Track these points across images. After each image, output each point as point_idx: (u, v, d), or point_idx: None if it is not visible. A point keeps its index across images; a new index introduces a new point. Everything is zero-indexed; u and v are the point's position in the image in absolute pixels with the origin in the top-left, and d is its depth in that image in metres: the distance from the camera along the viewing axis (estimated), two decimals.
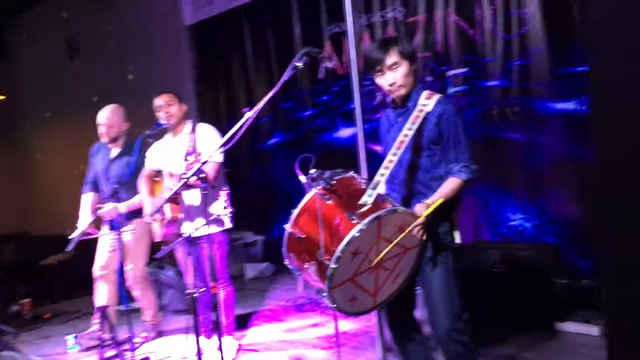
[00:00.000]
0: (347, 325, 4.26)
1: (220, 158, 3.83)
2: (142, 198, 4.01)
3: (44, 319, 5.46)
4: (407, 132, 2.43)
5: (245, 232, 6.69)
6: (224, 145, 2.71)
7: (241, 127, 2.61)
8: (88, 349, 4.22)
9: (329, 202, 2.31)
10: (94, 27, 8.01)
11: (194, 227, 3.87)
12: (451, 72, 4.95)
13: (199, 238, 3.92)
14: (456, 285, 2.56)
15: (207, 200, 3.83)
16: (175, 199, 3.85)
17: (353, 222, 2.18)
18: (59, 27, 8.49)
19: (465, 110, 4.89)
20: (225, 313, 4.01)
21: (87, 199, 4.39)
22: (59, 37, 8.51)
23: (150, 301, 4.43)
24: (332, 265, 2.15)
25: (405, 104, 2.58)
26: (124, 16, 7.69)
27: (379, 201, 2.26)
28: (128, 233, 4.25)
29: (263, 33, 6.63)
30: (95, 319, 4.29)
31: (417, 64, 2.59)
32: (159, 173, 4.03)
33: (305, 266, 2.35)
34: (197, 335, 2.69)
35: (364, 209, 2.20)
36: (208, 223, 3.81)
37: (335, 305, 2.27)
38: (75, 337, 4.01)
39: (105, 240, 4.34)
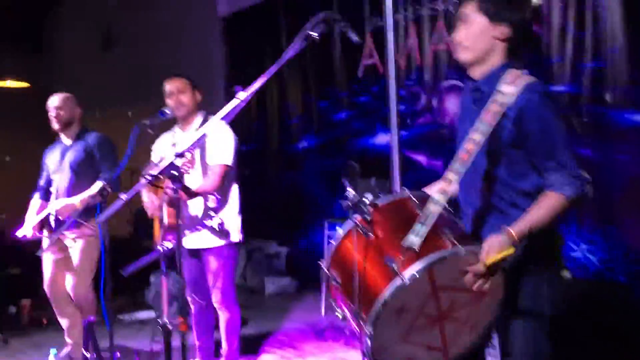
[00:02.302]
0: None
1: (229, 160, 3.28)
2: (143, 198, 3.49)
3: (41, 325, 5.00)
4: (477, 136, 1.75)
5: (268, 241, 6.13)
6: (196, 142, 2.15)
7: (232, 110, 2.04)
8: None
9: (370, 237, 1.72)
10: (128, 17, 7.67)
11: (193, 238, 3.34)
12: None
13: (200, 251, 3.40)
14: (548, 352, 1.88)
15: (209, 207, 3.32)
16: (174, 202, 3.30)
17: (392, 270, 1.63)
18: (94, 18, 8.21)
19: None
20: (227, 339, 3.44)
21: (35, 204, 3.87)
22: (95, 28, 8.23)
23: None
24: (369, 330, 1.65)
25: (479, 86, 1.90)
26: (158, 5, 7.32)
27: (433, 236, 1.67)
28: (72, 241, 3.69)
29: (299, 27, 6.08)
30: (67, 336, 3.80)
31: (509, 31, 1.86)
32: None
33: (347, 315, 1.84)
34: None
35: (408, 254, 1.64)
36: (212, 233, 3.31)
37: None
38: (56, 354, 3.51)
39: (49, 255, 3.78)
